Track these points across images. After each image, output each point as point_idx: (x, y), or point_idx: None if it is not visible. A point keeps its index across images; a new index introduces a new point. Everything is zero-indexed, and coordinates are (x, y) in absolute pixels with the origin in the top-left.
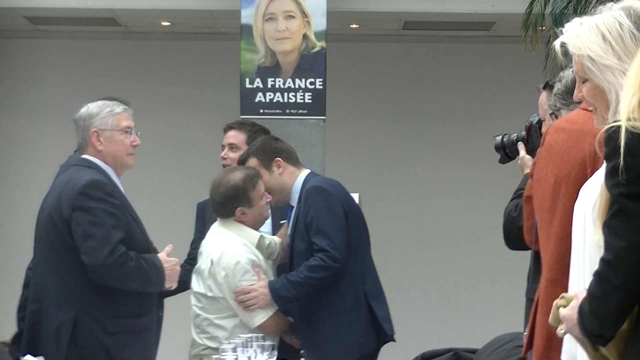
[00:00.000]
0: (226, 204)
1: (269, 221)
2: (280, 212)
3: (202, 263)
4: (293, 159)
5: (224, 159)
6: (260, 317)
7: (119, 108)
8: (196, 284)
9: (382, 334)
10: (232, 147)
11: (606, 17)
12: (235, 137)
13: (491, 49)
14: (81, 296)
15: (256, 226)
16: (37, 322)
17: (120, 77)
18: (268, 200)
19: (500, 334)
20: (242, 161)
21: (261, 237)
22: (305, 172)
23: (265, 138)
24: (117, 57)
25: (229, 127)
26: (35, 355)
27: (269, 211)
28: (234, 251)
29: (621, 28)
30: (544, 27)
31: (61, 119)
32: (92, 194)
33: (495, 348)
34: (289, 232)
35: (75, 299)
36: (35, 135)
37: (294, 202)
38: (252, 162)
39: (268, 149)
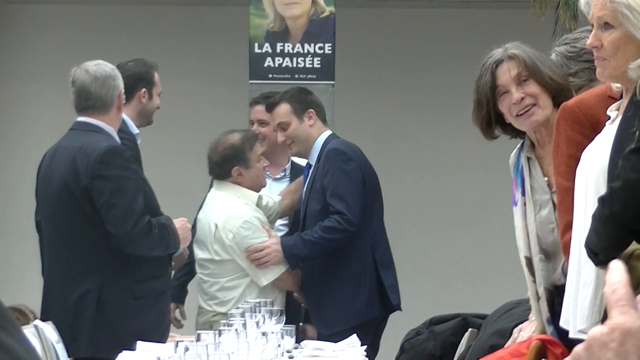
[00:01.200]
0: (223, 163)
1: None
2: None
3: (204, 230)
4: (322, 116)
5: None
6: (271, 276)
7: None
8: (200, 252)
9: (388, 303)
10: (262, 122)
11: None
12: (263, 112)
13: (500, 14)
14: (104, 264)
15: (253, 188)
16: (50, 291)
17: (129, 43)
18: (266, 164)
19: (508, 301)
20: (272, 105)
21: (259, 197)
22: (327, 132)
23: (301, 88)
24: (126, 23)
25: (255, 102)
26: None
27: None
28: (238, 211)
29: None
30: None
31: (64, 85)
32: (113, 161)
33: (502, 312)
34: (304, 189)
35: (99, 267)
36: (37, 102)
37: (312, 160)
38: (284, 107)
39: (303, 98)
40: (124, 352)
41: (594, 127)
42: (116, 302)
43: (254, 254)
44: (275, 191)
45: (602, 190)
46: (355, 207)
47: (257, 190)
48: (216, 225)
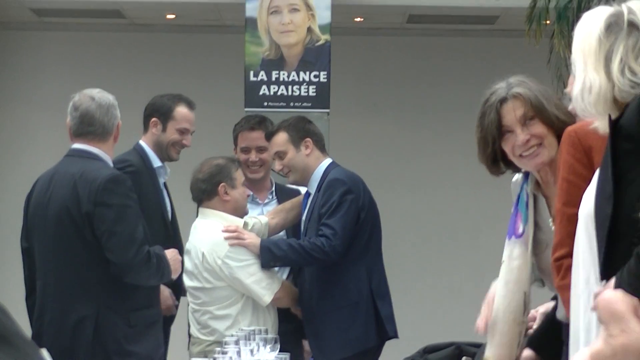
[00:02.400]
0: (209, 180)
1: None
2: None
3: (193, 259)
4: (321, 145)
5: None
6: (269, 295)
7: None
8: (189, 281)
9: (384, 333)
10: (260, 149)
11: None
12: (262, 138)
13: (495, 42)
14: (101, 290)
15: (236, 213)
16: (42, 317)
17: (125, 70)
18: (248, 194)
19: None
20: (271, 134)
21: (245, 223)
22: (328, 161)
23: (299, 117)
24: (121, 49)
25: (251, 129)
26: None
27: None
28: (223, 237)
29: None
30: (548, 21)
31: (62, 109)
32: (116, 189)
33: None
34: (303, 218)
35: (95, 294)
36: (40, 128)
37: (312, 189)
38: (282, 136)
39: (300, 127)
40: None
41: (587, 154)
42: (113, 329)
43: (231, 233)
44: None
45: (592, 236)
46: (342, 238)
47: (240, 216)
48: (203, 254)
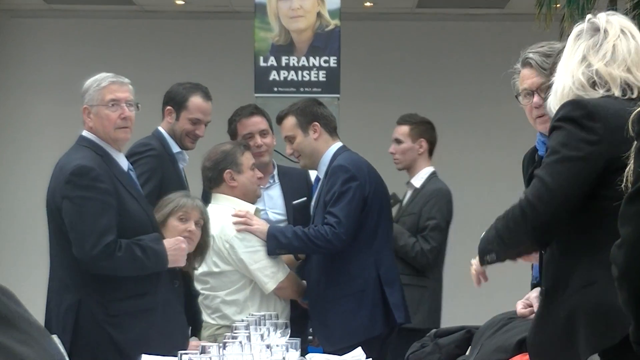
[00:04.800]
0: (215, 167)
1: (281, 202)
2: (292, 193)
3: None
4: (330, 128)
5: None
6: (273, 283)
7: (105, 81)
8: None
9: (392, 320)
10: (263, 133)
11: None
12: (264, 122)
13: (505, 26)
14: (84, 280)
15: (247, 198)
16: (49, 303)
17: (134, 57)
18: (259, 177)
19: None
20: (281, 118)
21: (257, 210)
22: (337, 145)
23: (309, 100)
24: (131, 36)
25: (251, 113)
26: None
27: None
28: (232, 221)
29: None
30: (558, 5)
31: (65, 97)
32: (78, 181)
33: (497, 328)
34: (312, 203)
35: (79, 283)
36: (39, 113)
37: (321, 173)
38: (290, 120)
39: (308, 111)
40: None
41: None
42: (91, 320)
43: (238, 219)
44: (268, 201)
45: None
46: (346, 226)
47: (252, 201)
48: (213, 237)
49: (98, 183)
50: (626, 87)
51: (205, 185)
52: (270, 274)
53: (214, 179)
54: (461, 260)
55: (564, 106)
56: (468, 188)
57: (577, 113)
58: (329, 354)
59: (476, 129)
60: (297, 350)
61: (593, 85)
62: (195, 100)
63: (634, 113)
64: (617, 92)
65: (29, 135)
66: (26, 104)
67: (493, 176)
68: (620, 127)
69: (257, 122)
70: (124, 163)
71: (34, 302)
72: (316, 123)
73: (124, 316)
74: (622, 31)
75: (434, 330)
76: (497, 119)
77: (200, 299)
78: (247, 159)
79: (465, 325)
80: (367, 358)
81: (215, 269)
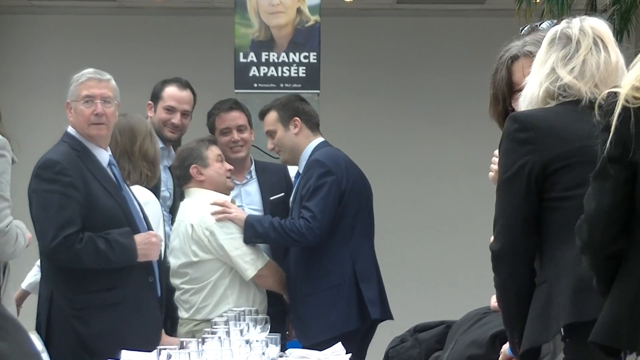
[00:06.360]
0: (181, 165)
1: (258, 198)
2: (269, 189)
3: (180, 235)
4: (312, 124)
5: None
6: (253, 270)
7: (83, 77)
8: (176, 260)
9: (367, 316)
10: (240, 128)
11: None
12: (242, 117)
13: (485, 23)
14: (54, 274)
15: (217, 190)
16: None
17: (115, 53)
18: (229, 168)
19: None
20: (263, 113)
21: (232, 201)
22: (318, 140)
23: (291, 96)
24: (111, 32)
25: (230, 108)
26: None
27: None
28: (211, 210)
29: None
30: (538, 1)
31: (57, 95)
32: (43, 175)
33: (472, 322)
34: (291, 198)
35: (51, 277)
36: (31, 112)
37: (302, 168)
38: (272, 115)
39: (290, 106)
40: None
41: None
42: (59, 313)
43: (218, 207)
44: (245, 197)
45: None
46: (320, 221)
47: (224, 192)
48: (192, 226)
49: (61, 177)
50: (592, 97)
51: (177, 184)
52: (250, 260)
53: (183, 176)
54: (441, 255)
55: (507, 120)
56: (449, 181)
57: (512, 127)
58: (307, 348)
59: (457, 123)
60: (277, 346)
61: (559, 97)
62: (169, 90)
63: (598, 98)
64: (584, 102)
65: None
66: (21, 100)
67: (474, 170)
68: (553, 132)
69: (235, 117)
70: (103, 158)
71: (32, 297)
72: (297, 118)
73: (90, 310)
74: (595, 42)
75: (413, 325)
76: (478, 113)
77: (177, 294)
78: (212, 152)
79: (445, 320)
80: (346, 353)
81: (195, 258)
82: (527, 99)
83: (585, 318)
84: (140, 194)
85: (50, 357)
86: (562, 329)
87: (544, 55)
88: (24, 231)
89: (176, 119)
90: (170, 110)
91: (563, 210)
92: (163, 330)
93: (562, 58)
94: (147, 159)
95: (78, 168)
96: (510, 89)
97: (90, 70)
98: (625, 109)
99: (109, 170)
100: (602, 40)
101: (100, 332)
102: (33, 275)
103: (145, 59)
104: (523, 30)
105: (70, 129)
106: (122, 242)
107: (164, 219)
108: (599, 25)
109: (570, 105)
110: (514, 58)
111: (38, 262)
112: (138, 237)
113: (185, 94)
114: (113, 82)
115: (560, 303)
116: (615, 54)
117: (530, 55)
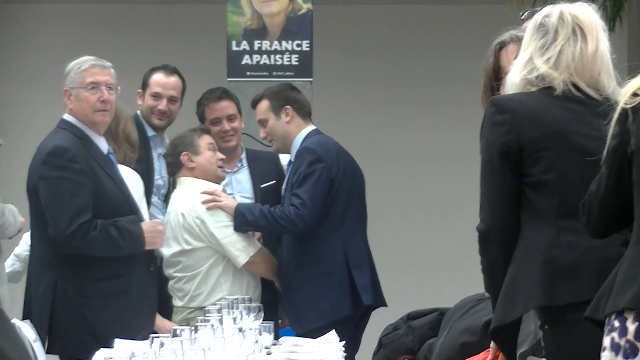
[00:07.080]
0: (173, 152)
1: (249, 186)
2: (261, 177)
3: (171, 224)
4: (303, 113)
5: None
6: (244, 257)
7: (86, 64)
8: (168, 249)
9: (360, 302)
10: (230, 118)
11: None
12: (232, 107)
13: (478, 10)
14: (61, 261)
15: (208, 179)
16: (29, 285)
17: (108, 42)
18: (221, 158)
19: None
20: (255, 101)
21: (223, 190)
22: (309, 129)
23: (283, 84)
24: (104, 21)
25: (219, 98)
26: (27, 318)
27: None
28: (201, 198)
29: None
30: None
31: (54, 84)
32: (53, 162)
33: (466, 309)
34: (283, 186)
35: (56, 265)
36: (29, 101)
37: (293, 157)
38: (264, 104)
39: (281, 95)
40: (101, 349)
41: None
42: (67, 301)
43: (206, 197)
44: (236, 185)
45: None
46: (310, 208)
47: (214, 182)
48: (183, 214)
49: (74, 164)
50: (566, 88)
51: (169, 172)
52: (242, 247)
53: (174, 164)
54: (434, 243)
55: (487, 104)
56: (442, 169)
57: (491, 110)
58: (300, 335)
59: (449, 111)
60: (270, 334)
61: (537, 85)
62: (155, 77)
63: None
64: (557, 91)
65: (23, 120)
66: (20, 90)
67: (466, 157)
68: (530, 116)
69: (225, 107)
70: (103, 146)
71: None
72: (288, 107)
73: (98, 297)
74: (574, 31)
75: (407, 312)
76: (470, 100)
77: (171, 283)
78: (204, 140)
79: (438, 307)
80: (340, 340)
81: (187, 247)
82: (508, 85)
83: (558, 302)
84: (123, 171)
85: (54, 345)
86: (537, 315)
87: (527, 43)
88: (16, 216)
89: (162, 105)
90: (156, 96)
91: (536, 192)
92: (157, 314)
93: (540, 48)
94: (130, 142)
95: (85, 156)
96: (497, 74)
97: (90, 57)
98: (623, 109)
99: (109, 158)
100: (581, 29)
101: (109, 319)
102: (10, 265)
103: (138, 47)
104: (523, 15)
105: (67, 117)
106: (132, 230)
107: (157, 208)
108: (581, 13)
109: (549, 91)
110: (502, 44)
111: (15, 251)
112: (145, 225)
113: (172, 80)
114: (113, 70)
115: (529, 284)
116: (595, 42)
117: (518, 41)
